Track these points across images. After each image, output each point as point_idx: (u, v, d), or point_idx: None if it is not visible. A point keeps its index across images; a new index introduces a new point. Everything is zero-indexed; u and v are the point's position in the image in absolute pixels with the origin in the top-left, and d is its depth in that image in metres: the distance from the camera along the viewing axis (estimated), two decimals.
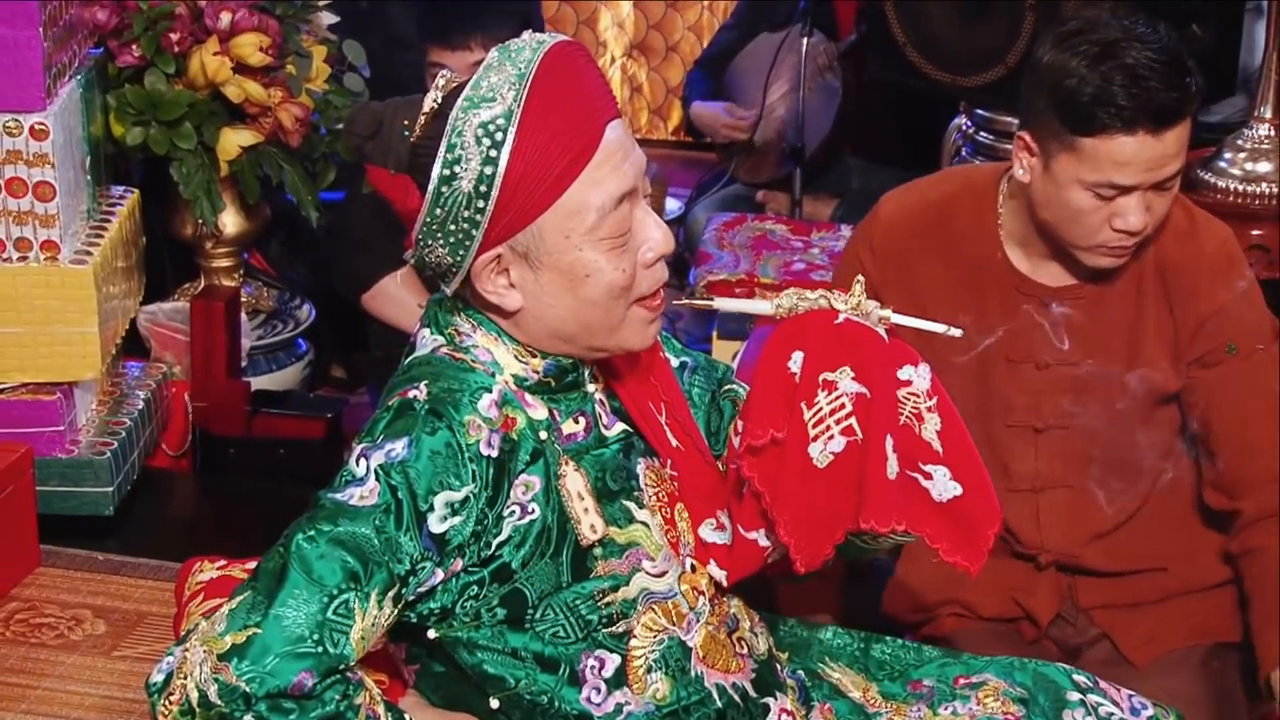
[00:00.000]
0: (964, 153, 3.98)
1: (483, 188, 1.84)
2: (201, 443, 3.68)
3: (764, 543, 2.01)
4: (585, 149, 1.85)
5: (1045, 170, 2.49)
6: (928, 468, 1.97)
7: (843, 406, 1.93)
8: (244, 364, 3.82)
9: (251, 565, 2.17)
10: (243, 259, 4.05)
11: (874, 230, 2.71)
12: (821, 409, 1.94)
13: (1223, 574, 2.73)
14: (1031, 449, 2.68)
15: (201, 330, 3.64)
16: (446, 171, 1.84)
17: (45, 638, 2.94)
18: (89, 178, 3.41)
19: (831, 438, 1.93)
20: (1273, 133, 3.66)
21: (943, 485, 1.97)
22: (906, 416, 1.97)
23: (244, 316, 3.88)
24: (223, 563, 2.27)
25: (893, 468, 1.94)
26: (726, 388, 2.17)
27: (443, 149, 1.84)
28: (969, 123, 4.05)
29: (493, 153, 1.83)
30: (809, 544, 1.95)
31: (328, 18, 3.86)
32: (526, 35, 1.89)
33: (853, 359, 1.94)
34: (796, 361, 1.96)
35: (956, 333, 1.99)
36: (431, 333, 1.97)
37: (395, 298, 3.82)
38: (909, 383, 1.97)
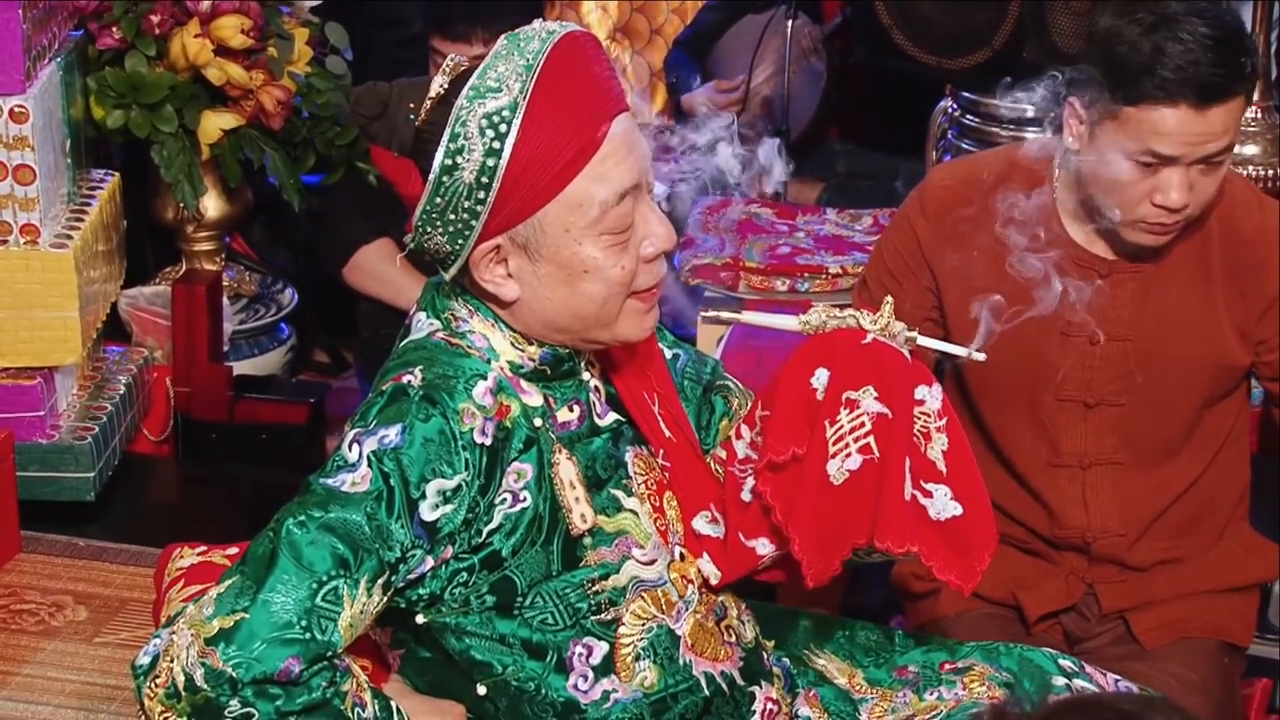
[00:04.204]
0: (950, 136, 3.96)
1: (484, 179, 1.82)
2: (183, 428, 3.66)
3: (762, 551, 2.01)
4: (590, 144, 1.83)
5: (1090, 139, 2.48)
6: (929, 486, 1.97)
7: (862, 425, 1.93)
8: (226, 349, 3.81)
9: (232, 551, 2.17)
10: (224, 243, 4.04)
11: (926, 197, 2.69)
12: (843, 427, 1.94)
13: (1241, 579, 2.74)
14: (1081, 424, 2.65)
15: (183, 315, 3.63)
16: (449, 161, 1.83)
17: (26, 624, 2.92)
18: (69, 161, 3.39)
19: (849, 455, 1.93)
20: (1259, 115, 3.65)
21: (942, 504, 1.97)
22: (915, 434, 1.97)
23: (226, 301, 3.86)
24: (203, 549, 2.26)
25: (908, 490, 1.94)
26: (719, 383, 2.16)
27: (446, 137, 1.82)
28: (955, 105, 4.03)
29: (496, 144, 1.81)
30: (820, 560, 1.96)
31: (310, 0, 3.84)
32: (537, 24, 1.87)
33: (877, 379, 1.94)
34: (820, 379, 1.96)
35: (980, 357, 1.99)
36: (428, 317, 1.95)
37: (373, 270, 3.82)
38: (922, 401, 1.98)
